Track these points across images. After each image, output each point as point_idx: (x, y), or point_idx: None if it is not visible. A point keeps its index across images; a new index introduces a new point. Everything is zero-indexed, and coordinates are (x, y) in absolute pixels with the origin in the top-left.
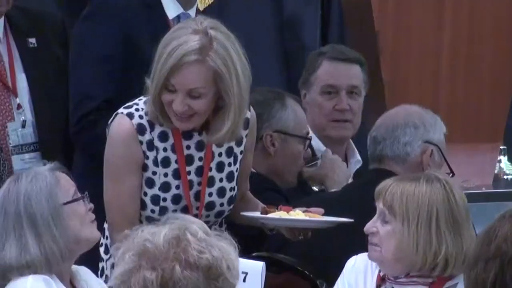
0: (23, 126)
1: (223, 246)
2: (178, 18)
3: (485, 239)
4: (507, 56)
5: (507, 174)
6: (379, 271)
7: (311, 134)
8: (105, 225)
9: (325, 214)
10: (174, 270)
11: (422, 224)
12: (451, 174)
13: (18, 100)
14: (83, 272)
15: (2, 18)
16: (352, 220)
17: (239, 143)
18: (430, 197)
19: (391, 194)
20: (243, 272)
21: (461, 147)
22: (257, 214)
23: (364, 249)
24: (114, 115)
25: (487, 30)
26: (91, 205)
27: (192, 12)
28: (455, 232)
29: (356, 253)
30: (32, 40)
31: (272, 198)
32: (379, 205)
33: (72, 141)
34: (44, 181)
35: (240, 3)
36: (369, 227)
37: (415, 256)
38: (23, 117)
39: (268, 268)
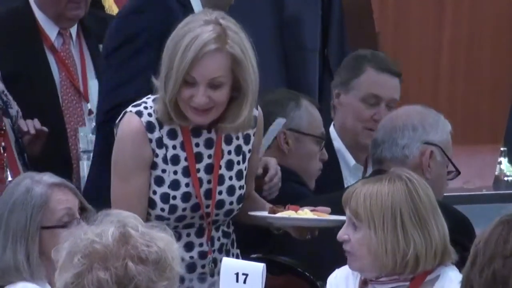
0: (93, 132)
1: (164, 237)
2: None
3: (499, 238)
4: (507, 57)
5: (507, 176)
6: (361, 276)
7: (341, 148)
8: None
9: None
10: (128, 267)
11: (388, 226)
12: (452, 174)
13: (89, 106)
14: None
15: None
16: None
17: (247, 142)
18: (393, 198)
19: (355, 199)
20: (243, 274)
21: (462, 148)
22: (265, 213)
23: None
24: (122, 113)
25: (487, 31)
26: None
27: None
28: (422, 228)
29: None
30: None
31: (291, 189)
32: (347, 212)
33: (98, 129)
34: (34, 198)
35: (240, 2)
36: (341, 235)
37: (385, 259)
38: (94, 123)
39: (268, 270)
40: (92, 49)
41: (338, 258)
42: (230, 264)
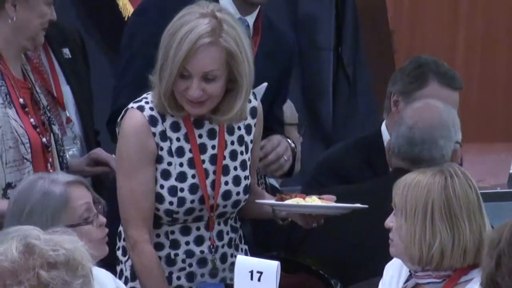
0: (75, 142)
1: (68, 238)
2: None
3: None
4: None
5: None
6: None
7: None
8: (121, 228)
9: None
10: (40, 275)
11: (417, 217)
12: None
13: (67, 113)
14: (99, 275)
15: None
16: (366, 206)
17: (249, 132)
18: (428, 191)
19: (396, 188)
20: (258, 272)
21: (476, 146)
22: (273, 201)
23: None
24: (124, 111)
25: (501, 30)
26: (103, 220)
27: (250, 19)
28: (451, 224)
29: (373, 253)
30: (66, 51)
31: None
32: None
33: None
34: (53, 200)
35: None
36: (387, 222)
37: (413, 249)
38: (74, 133)
39: (282, 268)
40: (57, 55)
41: (354, 256)
42: (244, 262)
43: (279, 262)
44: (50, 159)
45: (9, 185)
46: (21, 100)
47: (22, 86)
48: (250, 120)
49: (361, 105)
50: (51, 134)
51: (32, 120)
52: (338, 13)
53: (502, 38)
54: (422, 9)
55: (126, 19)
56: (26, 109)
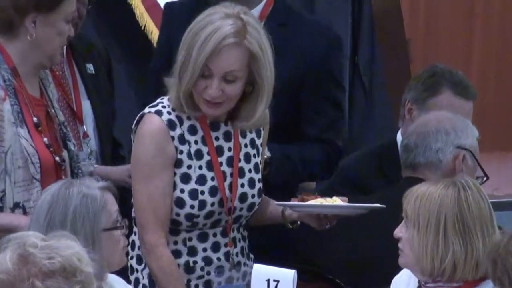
0: (89, 157)
1: (66, 243)
2: None
3: None
4: None
5: None
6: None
7: None
8: (134, 237)
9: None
10: (35, 285)
11: (430, 230)
12: (485, 178)
13: (84, 128)
14: (110, 280)
15: None
16: (384, 206)
17: (259, 135)
18: (441, 203)
19: (407, 199)
20: (274, 280)
21: (492, 155)
22: (295, 202)
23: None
24: (139, 116)
25: None
26: (126, 231)
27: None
28: (464, 237)
29: (387, 261)
30: (90, 66)
31: None
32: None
33: None
34: (93, 203)
35: None
36: (396, 232)
37: (425, 261)
38: (89, 148)
39: (299, 276)
40: (80, 69)
41: (369, 264)
42: (261, 271)
43: (296, 271)
44: (64, 177)
45: (16, 205)
46: (34, 119)
47: (37, 103)
48: None
49: (377, 114)
50: (67, 151)
51: (45, 139)
52: (354, 22)
53: None
54: (438, 18)
55: (143, 28)
56: (40, 128)
